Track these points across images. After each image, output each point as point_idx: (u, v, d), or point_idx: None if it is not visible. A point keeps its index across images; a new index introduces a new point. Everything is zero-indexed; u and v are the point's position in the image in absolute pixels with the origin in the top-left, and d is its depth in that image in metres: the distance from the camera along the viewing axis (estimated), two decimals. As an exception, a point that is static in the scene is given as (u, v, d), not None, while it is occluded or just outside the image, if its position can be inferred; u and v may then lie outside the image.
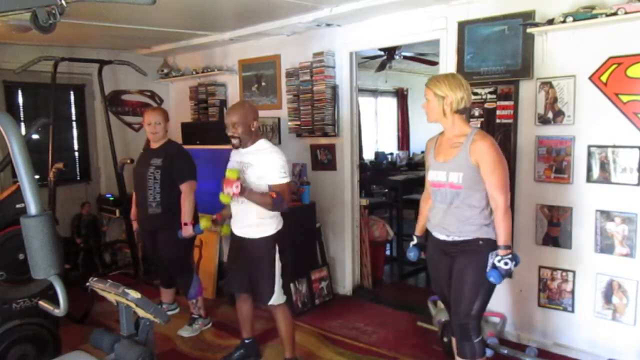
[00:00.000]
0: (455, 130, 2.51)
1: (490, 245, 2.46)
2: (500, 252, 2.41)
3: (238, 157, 3.05)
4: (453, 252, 2.55)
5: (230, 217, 3.15)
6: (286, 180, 2.95)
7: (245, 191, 2.82)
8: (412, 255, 2.82)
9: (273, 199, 2.83)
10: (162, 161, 3.55)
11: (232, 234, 3.15)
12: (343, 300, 4.52)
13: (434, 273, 2.74)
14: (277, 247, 3.00)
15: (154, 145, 3.66)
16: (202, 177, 3.69)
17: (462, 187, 2.44)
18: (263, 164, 2.93)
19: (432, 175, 2.57)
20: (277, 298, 3.03)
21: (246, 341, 3.35)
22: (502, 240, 2.42)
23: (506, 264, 2.38)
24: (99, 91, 5.22)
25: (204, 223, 3.29)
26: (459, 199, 2.46)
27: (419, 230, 2.85)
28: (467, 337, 2.51)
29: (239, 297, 3.25)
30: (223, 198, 2.91)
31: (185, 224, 3.54)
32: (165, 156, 3.56)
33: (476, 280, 2.45)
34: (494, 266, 2.41)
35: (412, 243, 2.85)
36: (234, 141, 3.01)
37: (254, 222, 2.98)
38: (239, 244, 3.10)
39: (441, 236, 2.58)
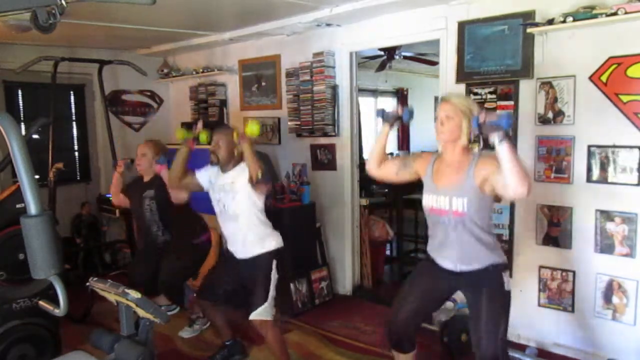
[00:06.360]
0: (456, 157, 2.35)
1: (500, 268, 2.34)
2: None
3: (221, 180, 2.98)
4: (460, 284, 2.42)
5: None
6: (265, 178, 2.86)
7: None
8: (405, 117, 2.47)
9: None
10: (155, 191, 3.61)
11: (226, 249, 3.11)
12: (343, 300, 4.52)
13: (416, 284, 2.54)
14: (274, 264, 2.92)
15: (145, 178, 3.73)
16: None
17: (466, 214, 2.29)
18: (246, 172, 2.86)
19: (432, 201, 2.39)
20: (261, 312, 2.85)
21: (227, 343, 3.33)
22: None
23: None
24: (99, 91, 5.20)
25: (180, 134, 3.15)
26: (462, 227, 2.32)
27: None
28: None
29: (209, 304, 3.16)
30: (252, 129, 2.84)
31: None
32: (155, 187, 3.61)
33: (493, 313, 2.29)
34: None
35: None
36: (212, 157, 2.97)
37: (249, 241, 2.94)
38: (230, 259, 3.04)
39: (447, 265, 2.42)
